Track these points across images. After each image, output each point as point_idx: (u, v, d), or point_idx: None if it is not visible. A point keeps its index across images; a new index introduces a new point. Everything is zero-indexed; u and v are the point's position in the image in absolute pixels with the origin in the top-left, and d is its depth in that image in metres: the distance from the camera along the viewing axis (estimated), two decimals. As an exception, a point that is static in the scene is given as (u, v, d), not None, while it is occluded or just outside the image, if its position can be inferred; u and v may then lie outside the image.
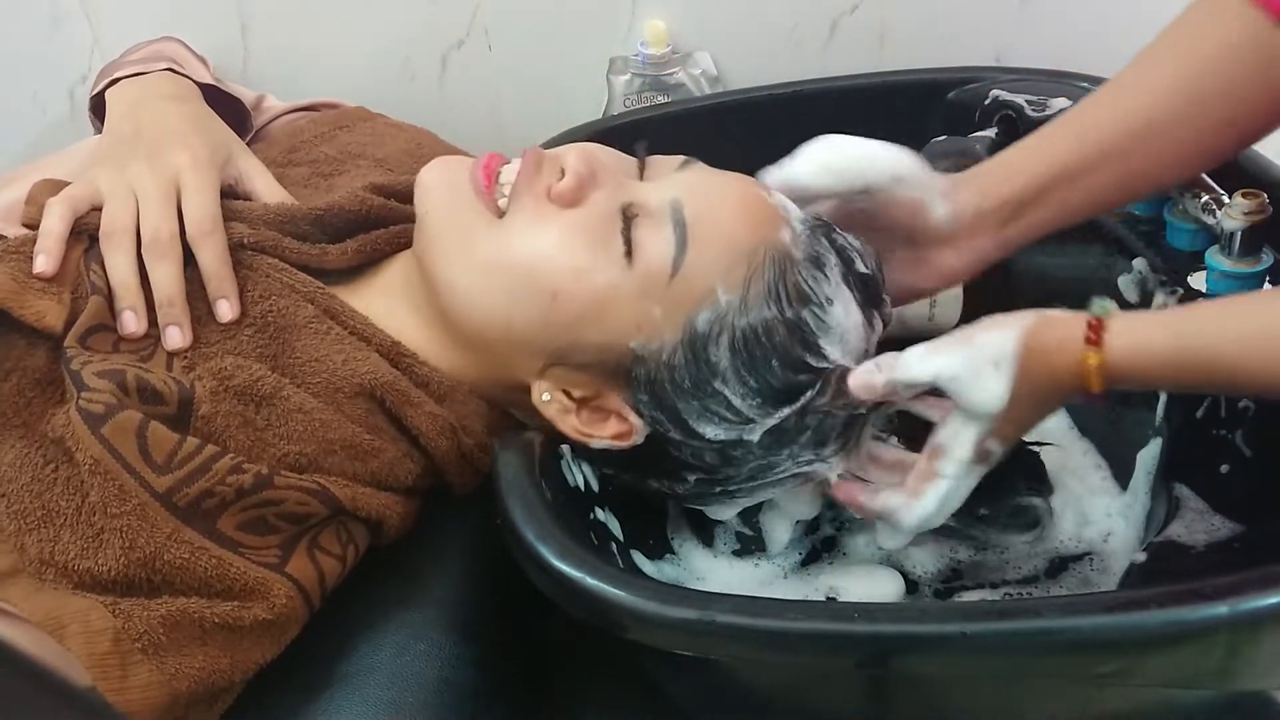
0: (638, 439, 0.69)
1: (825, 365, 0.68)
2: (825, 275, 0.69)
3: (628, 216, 0.68)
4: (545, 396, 0.70)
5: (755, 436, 0.69)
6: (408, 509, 0.71)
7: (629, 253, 0.67)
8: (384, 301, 0.74)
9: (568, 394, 0.70)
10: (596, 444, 0.69)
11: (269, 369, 0.68)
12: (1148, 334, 0.61)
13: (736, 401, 0.68)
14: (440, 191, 0.70)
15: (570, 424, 0.70)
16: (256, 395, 0.66)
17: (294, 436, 0.66)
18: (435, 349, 0.72)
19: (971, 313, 0.75)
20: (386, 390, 0.69)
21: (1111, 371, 0.61)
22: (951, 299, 0.85)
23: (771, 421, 0.68)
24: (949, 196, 0.71)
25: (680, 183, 0.70)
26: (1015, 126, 0.90)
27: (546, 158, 0.71)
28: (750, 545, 0.79)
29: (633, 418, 0.69)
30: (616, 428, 0.69)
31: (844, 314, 0.69)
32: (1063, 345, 0.62)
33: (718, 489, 0.72)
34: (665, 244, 0.67)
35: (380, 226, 0.78)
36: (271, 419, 0.66)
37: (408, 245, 0.78)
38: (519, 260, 0.67)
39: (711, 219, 0.68)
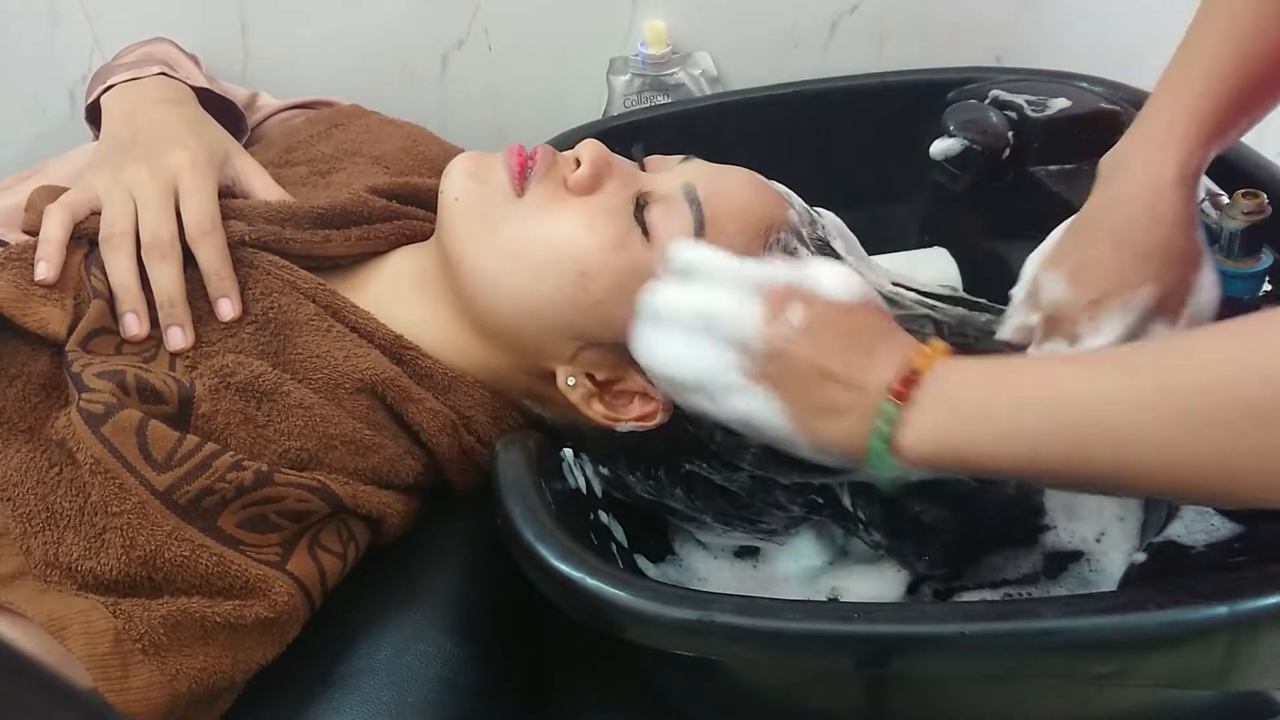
0: (663, 418, 0.70)
1: None
2: (832, 252, 0.73)
3: (640, 204, 0.70)
4: (570, 381, 0.71)
5: None
6: (408, 507, 0.71)
7: (646, 233, 0.69)
8: (390, 293, 0.75)
9: (591, 378, 0.71)
10: (623, 427, 0.70)
11: (270, 366, 0.68)
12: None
13: None
14: (470, 179, 0.72)
15: (596, 409, 0.71)
16: (257, 391, 0.66)
17: (294, 432, 0.66)
18: (444, 339, 0.73)
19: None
20: (387, 386, 0.70)
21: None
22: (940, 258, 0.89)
23: None
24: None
25: (688, 171, 0.73)
26: (1015, 127, 0.90)
27: (559, 154, 0.73)
28: (751, 547, 0.79)
29: (659, 395, 0.70)
30: (641, 409, 0.71)
31: None
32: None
33: (723, 490, 0.72)
34: (684, 221, 0.69)
35: (381, 223, 0.78)
36: (272, 415, 0.66)
37: (411, 239, 0.79)
38: (544, 240, 0.69)
39: (725, 198, 0.70)
